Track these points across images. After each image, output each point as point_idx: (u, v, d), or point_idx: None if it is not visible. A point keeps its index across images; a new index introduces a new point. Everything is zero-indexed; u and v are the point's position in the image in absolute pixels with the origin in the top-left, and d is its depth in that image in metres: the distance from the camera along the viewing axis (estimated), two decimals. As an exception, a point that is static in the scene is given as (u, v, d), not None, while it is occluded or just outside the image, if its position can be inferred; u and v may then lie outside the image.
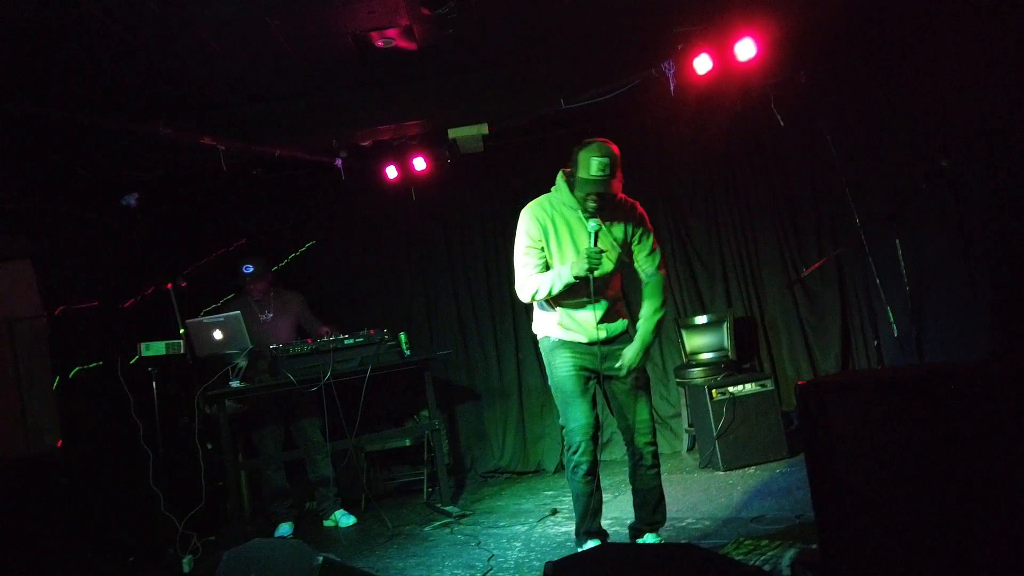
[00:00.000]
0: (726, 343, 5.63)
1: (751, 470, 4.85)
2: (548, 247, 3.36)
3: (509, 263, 6.07)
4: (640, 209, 3.45)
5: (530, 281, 3.35)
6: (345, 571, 2.91)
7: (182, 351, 4.92)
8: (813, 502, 1.99)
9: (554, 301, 3.39)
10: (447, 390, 6.08)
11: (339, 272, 6.08)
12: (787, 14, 4.48)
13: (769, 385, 5.04)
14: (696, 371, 5.48)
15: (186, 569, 4.41)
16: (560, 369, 3.36)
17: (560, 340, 3.40)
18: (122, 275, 5.27)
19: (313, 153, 5.24)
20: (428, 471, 5.62)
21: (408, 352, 5.14)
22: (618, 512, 4.36)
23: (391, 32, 4.36)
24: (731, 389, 4.99)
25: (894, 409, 1.79)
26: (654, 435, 3.40)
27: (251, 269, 5.15)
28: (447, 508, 4.98)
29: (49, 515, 4.16)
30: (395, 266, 6.20)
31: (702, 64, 4.37)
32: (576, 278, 3.19)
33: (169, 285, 5.03)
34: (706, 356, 5.63)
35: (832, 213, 5.67)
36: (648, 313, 3.38)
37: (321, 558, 2.86)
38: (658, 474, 3.41)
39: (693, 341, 5.76)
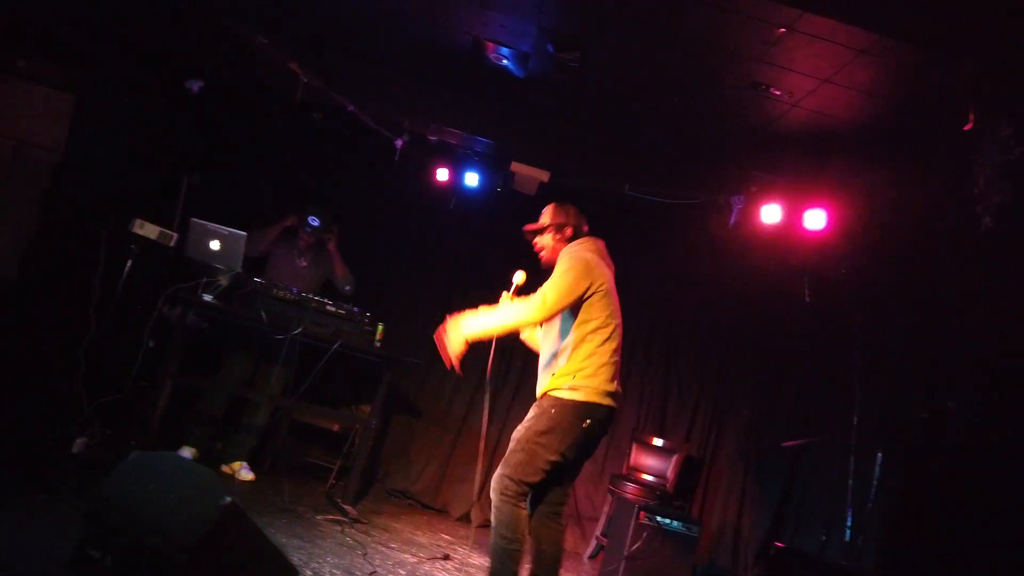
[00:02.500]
0: (669, 473, 5.61)
1: (644, 602, 4.78)
2: None
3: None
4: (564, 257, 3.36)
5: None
6: (245, 523, 2.79)
7: (171, 244, 4.82)
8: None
9: None
10: (394, 395, 5.98)
11: (353, 242, 6.02)
12: (858, 203, 4.65)
13: (695, 531, 4.99)
14: (632, 486, 5.44)
15: (75, 450, 4.23)
16: None
17: None
18: (149, 150, 5.18)
19: (380, 125, 5.25)
20: (341, 463, 5.48)
21: (379, 344, 5.07)
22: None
23: (507, 51, 4.43)
24: (659, 518, 4.95)
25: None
26: (492, 490, 3.17)
27: (317, 223, 5.17)
28: (345, 507, 4.84)
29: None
30: (407, 260, 6.16)
31: (770, 213, 4.48)
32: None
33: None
34: (646, 477, 5.60)
35: (816, 399, 5.74)
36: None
37: (228, 499, 2.75)
38: (492, 530, 3.15)
39: (640, 458, 5.74)
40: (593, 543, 5.68)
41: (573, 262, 3.22)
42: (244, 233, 4.69)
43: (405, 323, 6.04)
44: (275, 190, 5.85)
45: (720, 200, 4.82)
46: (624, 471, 5.75)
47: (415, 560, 4.27)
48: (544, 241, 3.51)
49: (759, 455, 5.87)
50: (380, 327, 5.13)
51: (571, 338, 3.20)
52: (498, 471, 3.16)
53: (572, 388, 3.13)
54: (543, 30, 3.98)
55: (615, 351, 3.24)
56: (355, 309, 4.92)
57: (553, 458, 3.12)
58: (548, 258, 3.49)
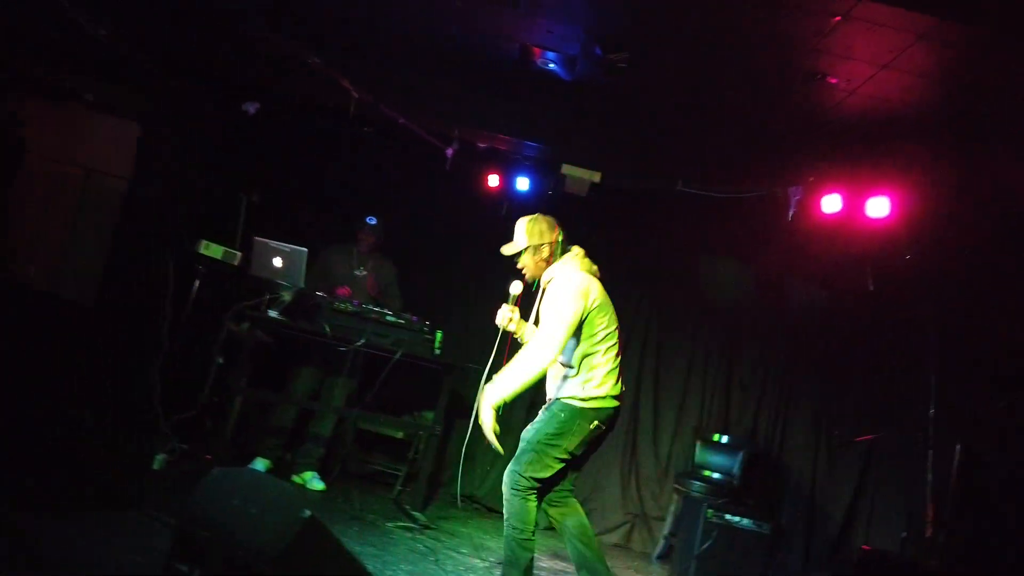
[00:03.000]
0: (736, 470, 5.54)
1: (716, 602, 4.74)
2: None
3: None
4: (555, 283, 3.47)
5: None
6: (325, 534, 2.86)
7: (236, 263, 4.98)
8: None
9: None
10: (456, 401, 6.04)
11: (408, 252, 6.11)
12: (922, 190, 4.53)
13: (766, 528, 4.92)
14: (698, 484, 5.40)
15: (156, 466, 4.39)
16: None
17: None
18: (211, 172, 5.36)
19: (430, 134, 5.31)
20: (407, 471, 5.56)
21: (439, 352, 5.14)
22: None
23: (553, 55, 4.44)
24: (728, 516, 4.90)
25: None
26: (504, 485, 3.39)
27: (374, 221, 5.28)
28: (414, 513, 4.92)
29: (63, 360, 4.19)
30: (462, 269, 6.23)
31: (831, 203, 4.39)
32: None
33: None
34: (712, 475, 5.54)
35: (886, 391, 5.60)
36: None
37: (308, 512, 2.83)
38: (504, 522, 3.39)
39: (705, 456, 5.68)
40: (661, 542, 5.64)
41: (563, 291, 3.39)
42: (305, 249, 4.79)
43: (463, 329, 6.10)
44: (331, 204, 5.97)
45: (777, 192, 4.74)
46: (690, 469, 5.70)
47: (485, 565, 4.31)
48: (524, 261, 3.65)
49: (829, 449, 5.75)
50: (439, 335, 5.19)
51: (579, 350, 3.41)
52: (509, 467, 3.38)
53: (582, 396, 3.36)
54: (590, 33, 3.98)
55: (617, 355, 3.48)
56: (414, 318, 4.99)
57: (562, 457, 3.35)
58: (532, 275, 3.64)
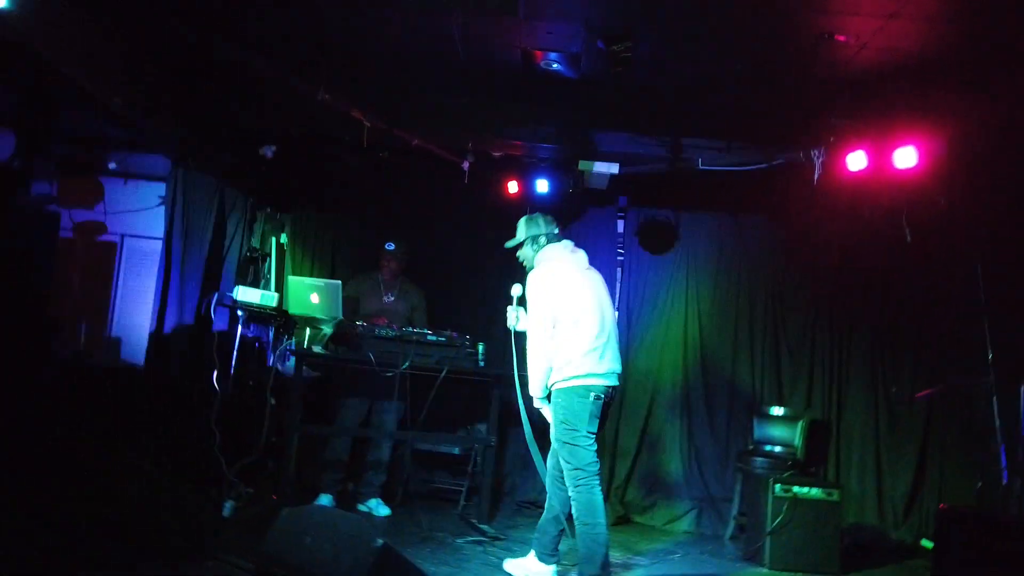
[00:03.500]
0: (797, 441, 5.47)
1: (798, 576, 4.68)
2: None
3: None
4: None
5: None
6: (400, 560, 2.90)
7: (274, 304, 5.05)
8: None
9: None
10: (506, 410, 6.06)
11: (439, 268, 6.15)
12: (948, 133, 4.43)
13: (836, 495, 4.85)
14: (761, 460, 5.34)
15: (226, 513, 4.48)
16: None
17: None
18: (239, 219, 5.46)
19: (445, 151, 5.35)
20: (469, 484, 5.59)
21: (483, 363, 5.17)
22: None
23: (556, 56, 4.44)
24: (795, 489, 4.83)
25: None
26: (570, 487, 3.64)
27: (392, 247, 5.33)
28: (482, 526, 4.95)
29: (122, 424, 4.30)
30: (491, 279, 6.24)
31: (856, 160, 4.33)
32: None
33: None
34: (774, 449, 5.48)
35: (939, 341, 5.51)
36: None
37: (381, 541, 2.87)
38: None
39: (764, 431, 5.62)
40: (732, 523, 5.60)
41: (531, 289, 3.75)
42: (339, 282, 4.87)
43: (504, 338, 6.11)
44: (358, 233, 6.03)
45: (800, 157, 4.67)
46: (750, 446, 5.64)
47: (561, 568, 4.32)
48: (524, 253, 4.00)
49: (889, 408, 5.66)
50: (481, 347, 5.23)
51: (553, 342, 3.68)
52: (564, 470, 3.64)
53: (565, 379, 3.63)
54: (591, 28, 3.97)
55: (596, 335, 3.67)
56: (455, 335, 5.03)
57: (586, 436, 3.59)
58: (530, 267, 3.95)
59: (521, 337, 3.97)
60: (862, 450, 5.71)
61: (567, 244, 3.98)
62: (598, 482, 3.60)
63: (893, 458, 5.64)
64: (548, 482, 3.89)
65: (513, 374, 4.06)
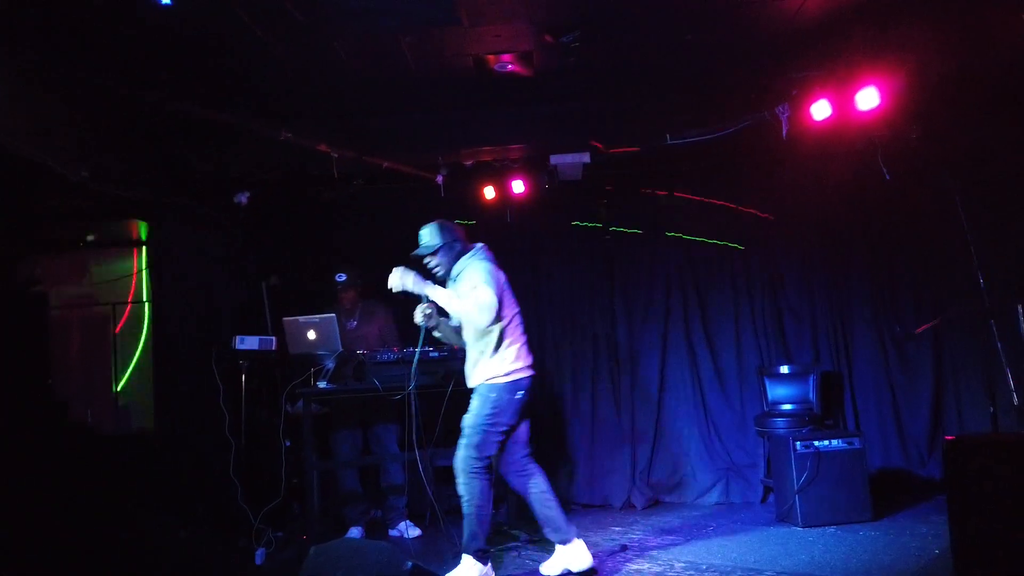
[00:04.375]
0: (811, 396, 5.48)
1: (831, 529, 4.67)
2: None
3: (591, 291, 6.12)
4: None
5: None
6: (433, 579, 2.91)
7: (273, 348, 5.07)
8: (953, 556, 1.90)
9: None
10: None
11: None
12: (908, 66, 4.44)
13: (857, 443, 4.86)
14: (779, 421, 5.35)
15: (258, 561, 4.49)
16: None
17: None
18: (224, 269, 5.47)
19: (417, 168, 5.37)
20: (494, 492, 5.58)
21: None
22: (692, 556, 4.28)
23: (508, 57, 4.46)
24: (816, 443, 4.84)
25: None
26: (458, 471, 3.88)
27: (343, 278, 5.29)
28: (514, 532, 4.95)
29: (142, 492, 4.31)
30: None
31: (820, 110, 4.34)
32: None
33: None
34: (789, 407, 5.49)
35: (934, 274, 5.52)
36: None
37: (411, 564, 2.89)
38: (464, 504, 3.88)
39: (776, 391, 5.63)
40: (760, 488, 5.60)
41: (483, 273, 3.84)
42: (333, 315, 4.87)
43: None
44: (344, 264, 6.03)
45: (767, 116, 4.68)
46: (765, 409, 5.65)
47: (597, 562, 4.32)
48: (438, 260, 4.01)
49: (897, 348, 5.67)
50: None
51: (493, 336, 3.85)
52: (460, 453, 3.85)
53: (504, 374, 3.84)
54: (536, 24, 3.99)
55: (523, 331, 3.99)
56: (455, 347, 5.03)
57: (502, 430, 3.87)
58: (445, 273, 4.01)
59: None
60: (877, 395, 5.71)
61: (484, 246, 4.09)
62: (489, 470, 3.89)
63: (909, 397, 5.65)
64: (511, 476, 4.05)
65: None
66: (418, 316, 3.97)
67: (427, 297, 3.93)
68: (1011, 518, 1.80)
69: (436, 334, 4.18)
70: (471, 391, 4.97)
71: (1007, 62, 4.17)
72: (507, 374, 3.85)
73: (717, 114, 4.74)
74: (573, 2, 3.87)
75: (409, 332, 5.46)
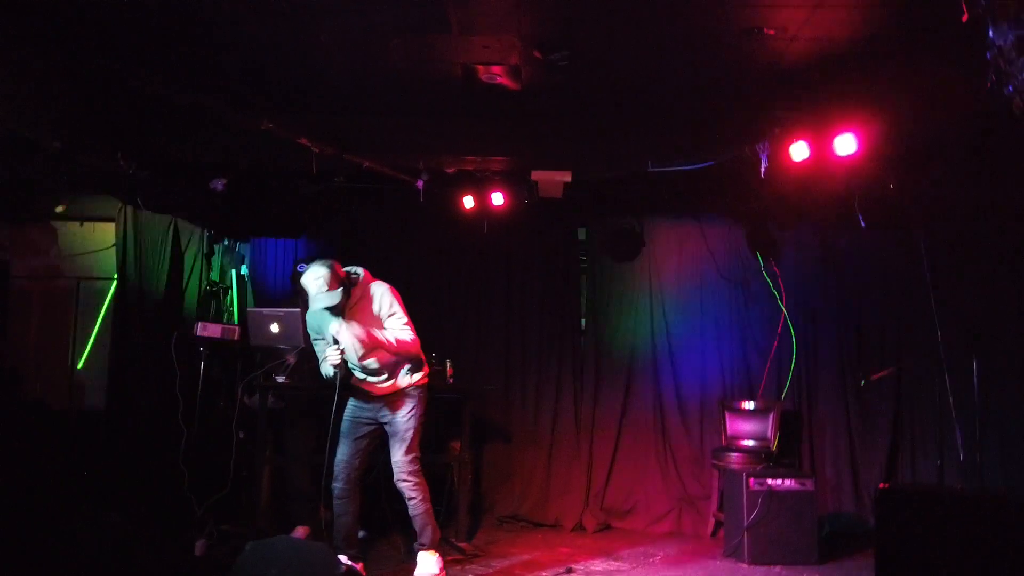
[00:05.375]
0: (769, 433, 5.50)
1: (777, 569, 4.67)
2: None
3: (561, 309, 6.11)
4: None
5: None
6: (364, 585, 2.87)
7: (236, 338, 5.02)
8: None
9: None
10: (479, 425, 6.03)
11: (400, 287, 6.10)
12: (889, 118, 4.50)
13: (810, 485, 4.87)
14: (735, 456, 5.36)
15: (198, 552, 4.41)
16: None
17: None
18: (194, 253, 5.41)
19: (397, 171, 5.34)
20: (446, 504, 5.55)
21: (451, 380, 5.14)
22: None
23: (497, 69, 4.45)
24: (770, 481, 4.85)
25: (973, 525, 1.72)
26: (407, 474, 4.02)
27: (303, 268, 5.24)
28: (460, 545, 4.91)
29: (85, 469, 4.22)
30: (454, 293, 6.24)
31: (798, 151, 4.38)
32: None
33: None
34: (747, 443, 5.51)
35: (899, 324, 5.57)
36: None
37: (343, 567, 2.84)
38: (418, 504, 4.04)
39: (736, 426, 5.65)
40: (711, 521, 5.60)
41: (390, 298, 4.10)
42: (298, 310, 4.82)
43: (472, 354, 6.11)
44: (316, 257, 5.99)
45: (746, 151, 4.72)
46: (723, 442, 5.66)
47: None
48: (337, 296, 3.93)
49: (858, 395, 5.70)
50: (448, 363, 5.22)
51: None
52: (400, 459, 4.01)
53: (424, 378, 4.20)
54: (525, 39, 4.00)
55: None
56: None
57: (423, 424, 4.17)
58: (342, 305, 3.97)
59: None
60: (835, 439, 5.74)
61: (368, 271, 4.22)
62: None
63: (866, 444, 5.68)
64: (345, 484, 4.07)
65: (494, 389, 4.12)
66: (334, 358, 3.95)
67: (333, 339, 4.01)
68: (934, 569, 1.80)
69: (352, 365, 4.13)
70: (453, 398, 5.20)
71: (975, 124, 4.24)
72: (424, 378, 4.20)
73: (699, 144, 4.77)
74: (563, 21, 3.88)
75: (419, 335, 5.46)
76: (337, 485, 4.04)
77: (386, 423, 4.10)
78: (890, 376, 5.21)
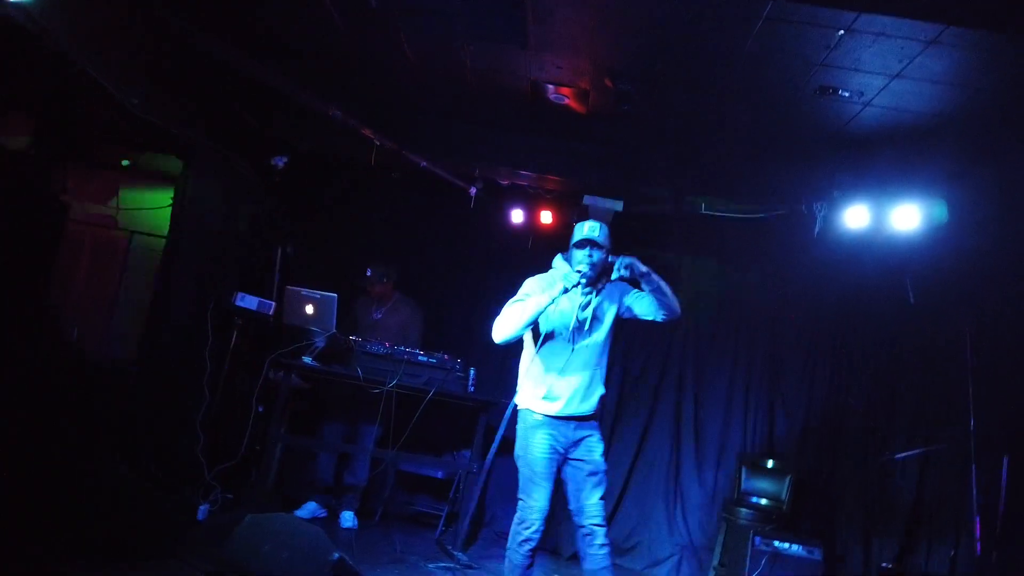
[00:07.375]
0: (784, 495, 5.39)
1: (770, 634, 4.57)
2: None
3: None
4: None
5: (508, 308, 3.57)
6: (355, 576, 2.89)
7: (270, 313, 5.10)
8: None
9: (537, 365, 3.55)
10: (492, 438, 6.02)
11: (436, 290, 6.18)
12: (952, 198, 4.42)
13: (817, 554, 4.76)
14: (745, 511, 5.26)
15: (200, 516, 4.48)
16: (535, 448, 3.47)
17: (542, 418, 3.48)
18: (245, 225, 5.52)
19: (453, 176, 5.41)
20: (449, 509, 5.55)
21: (473, 388, 5.16)
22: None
23: (566, 90, 4.51)
24: (776, 543, 4.75)
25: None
26: (604, 517, 3.50)
27: (370, 272, 5.36)
28: (456, 553, 4.90)
29: (108, 423, 4.32)
30: (490, 304, 6.24)
31: (857, 217, 4.32)
32: (565, 289, 3.42)
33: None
34: (761, 501, 5.40)
35: (934, 406, 5.42)
36: None
37: (337, 555, 2.87)
38: (608, 554, 3.46)
39: (752, 481, 5.54)
40: (711, 573, 5.49)
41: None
42: (335, 295, 4.90)
43: (499, 366, 6.10)
44: (362, 250, 6.07)
45: (802, 209, 4.68)
46: (735, 496, 5.56)
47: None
48: (598, 259, 3.56)
49: (880, 469, 5.55)
50: (473, 372, 5.23)
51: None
52: (600, 502, 3.50)
53: None
54: (598, 65, 4.04)
55: None
56: (445, 356, 5.03)
57: None
58: (591, 273, 3.57)
59: None
60: (851, 510, 5.58)
61: None
62: (531, 535, 3.51)
63: (885, 520, 5.51)
64: None
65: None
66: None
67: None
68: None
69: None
70: (470, 407, 5.17)
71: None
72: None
73: (753, 194, 4.74)
74: (638, 54, 3.91)
75: (435, 340, 5.52)
76: (536, 537, 3.45)
77: (580, 460, 3.46)
78: (917, 457, 5.07)
